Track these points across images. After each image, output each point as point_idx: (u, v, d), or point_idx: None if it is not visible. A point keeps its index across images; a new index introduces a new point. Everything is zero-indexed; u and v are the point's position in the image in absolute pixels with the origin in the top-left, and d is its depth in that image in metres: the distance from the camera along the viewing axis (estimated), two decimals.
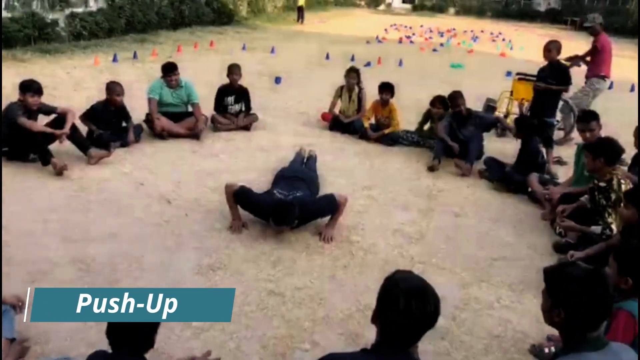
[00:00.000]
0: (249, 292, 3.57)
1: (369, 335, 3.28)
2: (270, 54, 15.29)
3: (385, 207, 5.23)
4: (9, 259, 3.72)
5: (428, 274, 4.02)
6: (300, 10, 27.85)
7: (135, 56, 12.05)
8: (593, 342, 2.08)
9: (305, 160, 5.77)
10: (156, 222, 4.47)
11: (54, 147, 5.47)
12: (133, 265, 3.78)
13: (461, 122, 6.64)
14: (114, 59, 11.44)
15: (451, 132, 6.63)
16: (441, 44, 21.29)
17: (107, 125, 6.15)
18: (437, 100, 7.03)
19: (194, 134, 6.66)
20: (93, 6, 14.25)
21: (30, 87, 5.25)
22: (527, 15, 39.01)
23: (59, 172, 5.14)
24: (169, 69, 6.67)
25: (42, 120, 5.56)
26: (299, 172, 4.90)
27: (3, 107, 5.27)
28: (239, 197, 4.34)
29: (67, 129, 5.37)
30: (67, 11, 13.19)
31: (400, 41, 22.25)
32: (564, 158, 6.83)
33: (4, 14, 11.66)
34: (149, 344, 2.12)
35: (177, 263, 3.87)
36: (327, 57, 15.25)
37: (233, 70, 7.21)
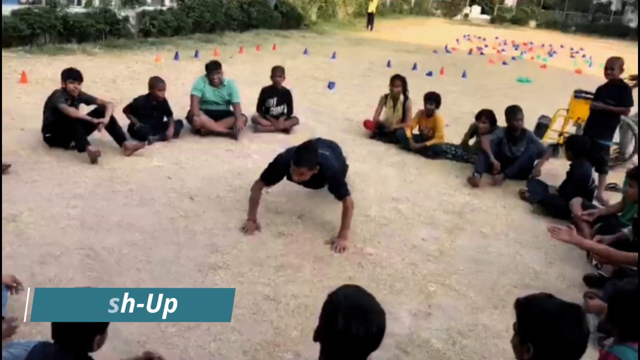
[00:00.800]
0: (244, 295, 3.53)
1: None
2: (330, 59, 15.30)
3: (410, 222, 5.05)
4: (27, 239, 3.89)
5: (437, 295, 3.86)
6: (370, 17, 27.76)
7: (196, 55, 12.38)
8: None
9: None
10: (173, 216, 4.52)
11: (93, 137, 5.70)
12: (139, 257, 3.84)
13: (513, 140, 6.36)
14: (176, 57, 11.81)
15: (499, 149, 6.35)
16: (513, 57, 20.58)
17: (148, 119, 6.32)
18: (484, 114, 6.75)
19: (232, 133, 6.72)
20: (159, 5, 14.79)
21: (70, 75, 5.46)
22: (616, 31, 36.89)
23: (93, 160, 5.33)
24: (213, 68, 6.77)
25: (84, 111, 5.77)
26: (330, 143, 4.96)
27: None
28: (267, 179, 4.37)
29: (106, 119, 5.55)
30: (139, 9, 13.75)
31: (470, 52, 21.71)
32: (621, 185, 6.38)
33: (81, 9, 12.33)
34: (88, 346, 2.08)
35: (182, 259, 3.89)
36: (388, 64, 15.07)
37: (276, 72, 7.24)
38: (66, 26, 11.52)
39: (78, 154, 5.45)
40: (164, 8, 14.82)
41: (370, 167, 6.41)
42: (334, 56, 15.58)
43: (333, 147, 4.96)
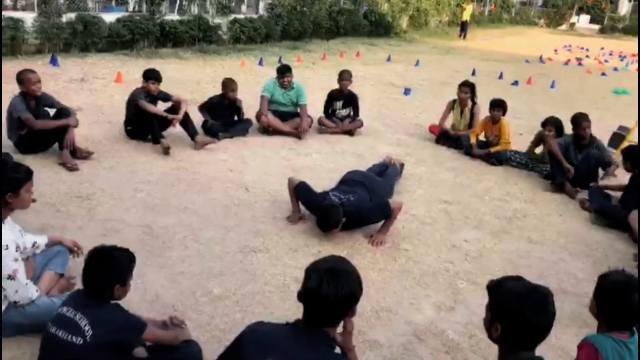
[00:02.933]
0: (276, 276, 3.81)
1: (373, 334, 3.35)
2: (414, 66, 15.35)
3: (455, 223, 5.11)
4: (95, 215, 4.42)
5: (465, 292, 3.93)
6: (463, 26, 27.33)
7: (280, 61, 12.91)
8: None
9: (386, 168, 5.80)
10: (227, 204, 4.91)
11: (169, 132, 6.26)
12: (189, 236, 4.24)
13: (580, 147, 6.20)
14: (260, 63, 12.43)
15: (565, 155, 6.21)
16: (615, 69, 19.51)
17: (220, 117, 6.82)
18: (550, 122, 6.61)
19: (297, 133, 7.07)
20: (254, 13, 15.59)
21: (152, 75, 6.04)
22: None
23: (165, 152, 5.86)
24: (283, 71, 7.16)
25: (162, 107, 6.34)
26: (362, 177, 4.98)
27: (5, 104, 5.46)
28: (297, 191, 4.60)
29: (180, 115, 6.09)
30: (231, 17, 14.59)
31: (566, 63, 20.82)
32: None
33: (176, 17, 13.33)
34: (110, 294, 2.42)
35: (227, 240, 4.24)
36: (473, 73, 14.85)
37: (343, 76, 7.50)
38: (163, 32, 12.53)
39: (153, 146, 6.02)
40: (255, 16, 15.59)
41: (427, 170, 6.48)
42: (417, 64, 15.61)
43: (368, 178, 5.07)
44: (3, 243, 2.67)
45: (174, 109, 6.23)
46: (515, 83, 14.02)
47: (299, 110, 7.25)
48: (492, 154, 7.00)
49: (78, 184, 4.92)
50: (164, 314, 3.17)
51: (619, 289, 2.37)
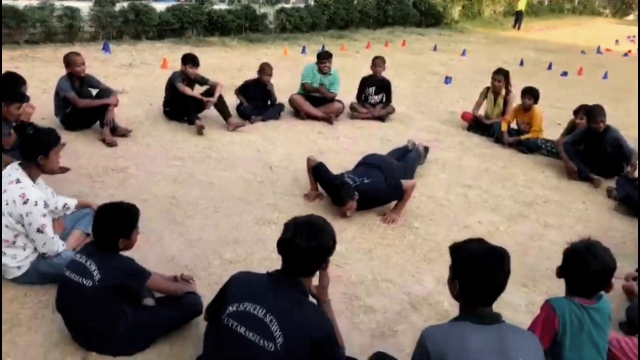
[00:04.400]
0: None
1: (369, 301, 3.54)
2: (460, 56, 15.21)
3: (473, 206, 5.19)
4: (127, 186, 4.78)
5: None
6: (518, 16, 26.67)
7: (323, 49, 13.12)
8: (481, 316, 2.15)
9: (407, 152, 5.91)
10: (250, 180, 5.18)
11: (205, 113, 6.60)
12: (210, 208, 4.53)
13: (593, 140, 6.09)
14: (303, 51, 12.67)
15: (583, 149, 6.15)
16: None
17: (254, 101, 7.10)
18: (581, 109, 6.54)
19: (328, 118, 7.27)
20: (301, 3, 15.84)
21: (190, 59, 6.38)
22: None
23: (199, 132, 6.20)
24: (323, 57, 7.37)
25: (198, 90, 6.68)
26: (378, 160, 5.11)
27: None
28: (315, 171, 4.80)
29: (214, 98, 6.41)
30: (277, 6, 14.89)
31: (626, 54, 20.07)
32: None
33: (225, 6, 13.74)
34: (115, 246, 2.71)
35: (245, 212, 4.51)
36: (521, 63, 14.61)
37: (376, 62, 7.62)
38: (211, 21, 12.96)
39: (188, 126, 6.37)
40: (302, 6, 15.83)
41: (455, 156, 6.55)
42: (464, 53, 15.46)
43: (385, 161, 5.19)
44: (32, 200, 3.01)
45: (210, 92, 6.54)
46: (565, 74, 13.68)
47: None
48: (522, 141, 6.97)
49: (115, 158, 5.31)
50: (176, 273, 3.47)
51: (578, 254, 2.47)
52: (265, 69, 7.08)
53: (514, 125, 7.32)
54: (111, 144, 5.57)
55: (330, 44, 14.15)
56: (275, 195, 4.91)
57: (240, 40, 13.04)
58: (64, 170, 4.24)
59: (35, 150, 3.09)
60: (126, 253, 2.78)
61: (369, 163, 5.06)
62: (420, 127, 7.66)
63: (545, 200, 5.51)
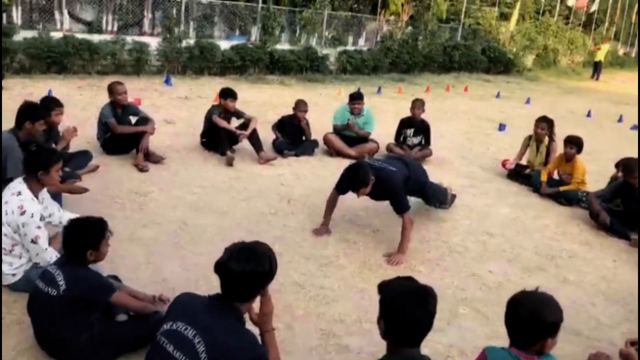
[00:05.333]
0: (277, 276, 4.05)
1: (346, 340, 3.49)
2: (523, 104, 14.84)
3: (488, 255, 5.00)
4: (144, 209, 5.03)
5: (463, 317, 3.91)
6: (596, 66, 25.71)
7: (379, 91, 13.27)
8: (404, 356, 2.10)
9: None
10: (264, 212, 5.28)
11: (239, 146, 6.85)
12: (217, 235, 4.65)
13: (632, 195, 5.74)
14: None
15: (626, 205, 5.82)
16: None
17: (289, 136, 7.28)
18: (621, 164, 6.19)
19: (360, 157, 7.29)
20: (363, 46, 16.16)
21: (229, 94, 6.68)
22: None
23: (229, 163, 6.42)
24: (355, 98, 7.49)
25: (235, 123, 6.95)
26: (409, 160, 5.22)
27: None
28: (339, 188, 4.85)
29: (248, 131, 6.64)
30: (340, 48, 15.27)
31: None
32: None
33: (287, 46, 14.27)
34: (84, 259, 2.85)
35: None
36: (588, 114, 14.04)
37: (416, 104, 7.62)
38: (272, 60, 13.49)
39: (220, 157, 6.62)
40: (365, 48, 16.14)
41: (485, 203, 6.36)
42: (528, 102, 15.07)
43: (409, 163, 5.20)
44: (29, 212, 3.25)
45: (246, 125, 6.79)
46: (635, 127, 12.99)
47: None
48: (561, 192, 6.68)
49: (141, 182, 5.60)
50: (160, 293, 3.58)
51: (513, 302, 2.37)
52: (299, 105, 7.27)
53: (556, 175, 7.03)
54: (142, 169, 5.88)
55: (388, 86, 14.29)
56: (284, 228, 4.97)
57: (299, 80, 13.44)
58: (81, 190, 4.52)
59: (36, 166, 3.34)
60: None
61: (397, 157, 5.13)
62: (458, 172, 7.52)
63: (571, 255, 5.22)
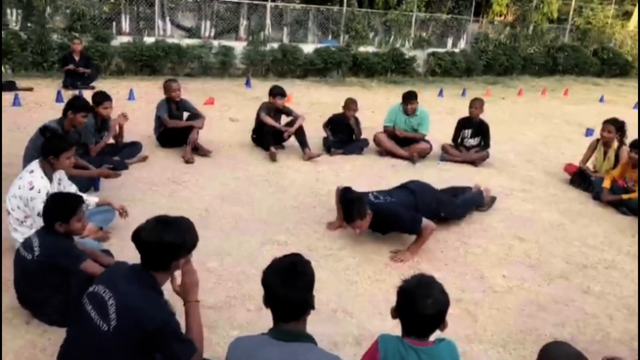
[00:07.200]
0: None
1: (310, 327, 3.49)
2: (630, 109, 13.57)
3: (509, 259, 4.74)
4: (175, 196, 5.41)
5: (450, 318, 3.74)
6: None
7: (463, 94, 12.86)
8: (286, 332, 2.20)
9: (465, 191, 5.63)
10: (287, 205, 5.44)
11: (290, 142, 7.08)
12: (231, 223, 4.90)
13: None
14: (440, 94, 12.56)
15: None
16: None
17: (339, 134, 7.38)
18: None
19: (411, 157, 7.21)
20: (456, 47, 15.72)
21: (278, 92, 6.94)
22: None
23: (272, 158, 6.67)
24: (408, 97, 7.39)
25: (283, 120, 7.19)
26: (416, 186, 4.96)
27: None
28: (342, 194, 4.84)
29: (293, 128, 6.86)
30: (428, 50, 15.01)
31: None
32: None
33: (373, 49, 14.30)
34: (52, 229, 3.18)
35: (259, 232, 4.77)
36: None
37: (474, 104, 7.36)
38: (355, 62, 13.60)
39: (265, 153, 6.89)
40: (457, 50, 15.71)
41: (530, 208, 5.99)
42: (635, 107, 13.77)
43: (423, 187, 5.02)
44: (37, 188, 3.70)
45: (293, 122, 7.01)
46: None
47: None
48: (623, 201, 6.11)
49: (183, 172, 6.01)
50: None
51: (409, 295, 2.30)
52: (349, 105, 7.33)
53: (620, 181, 6.43)
54: (189, 161, 6.30)
55: (476, 88, 13.79)
56: (300, 221, 5.08)
57: (381, 82, 13.43)
58: (110, 174, 4.97)
59: (47, 151, 3.79)
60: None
61: (404, 186, 4.98)
62: (515, 175, 7.15)
63: (608, 266, 4.79)
